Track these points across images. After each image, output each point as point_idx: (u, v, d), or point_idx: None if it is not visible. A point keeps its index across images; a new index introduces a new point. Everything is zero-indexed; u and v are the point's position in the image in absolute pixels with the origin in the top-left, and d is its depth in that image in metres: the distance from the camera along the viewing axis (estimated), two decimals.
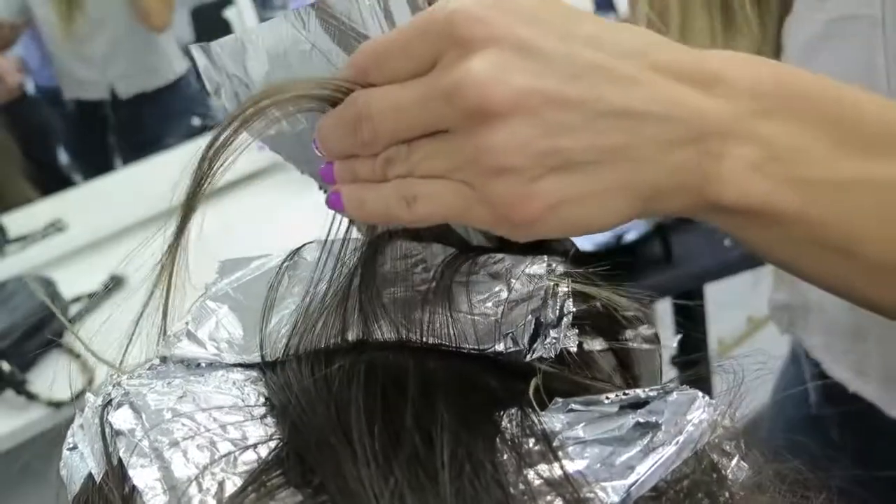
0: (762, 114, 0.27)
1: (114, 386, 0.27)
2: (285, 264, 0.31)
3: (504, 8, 0.25)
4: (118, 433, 0.24)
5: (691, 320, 1.27)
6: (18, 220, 1.47)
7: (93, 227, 1.42)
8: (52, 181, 1.95)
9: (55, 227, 1.43)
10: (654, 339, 0.28)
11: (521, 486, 0.20)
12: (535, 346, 0.26)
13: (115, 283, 1.24)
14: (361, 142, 0.27)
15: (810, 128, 0.27)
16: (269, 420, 0.23)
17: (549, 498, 0.20)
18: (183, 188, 0.29)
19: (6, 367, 1.00)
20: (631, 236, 1.12)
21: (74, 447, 0.26)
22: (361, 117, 0.27)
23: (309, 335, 0.27)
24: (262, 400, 0.24)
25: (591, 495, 0.20)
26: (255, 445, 0.22)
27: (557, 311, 0.26)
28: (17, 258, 1.33)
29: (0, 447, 0.97)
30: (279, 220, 1.39)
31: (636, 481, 0.20)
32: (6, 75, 2.01)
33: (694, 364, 0.30)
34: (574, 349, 0.26)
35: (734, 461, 0.23)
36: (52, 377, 1.05)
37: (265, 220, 1.42)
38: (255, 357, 0.27)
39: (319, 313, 0.27)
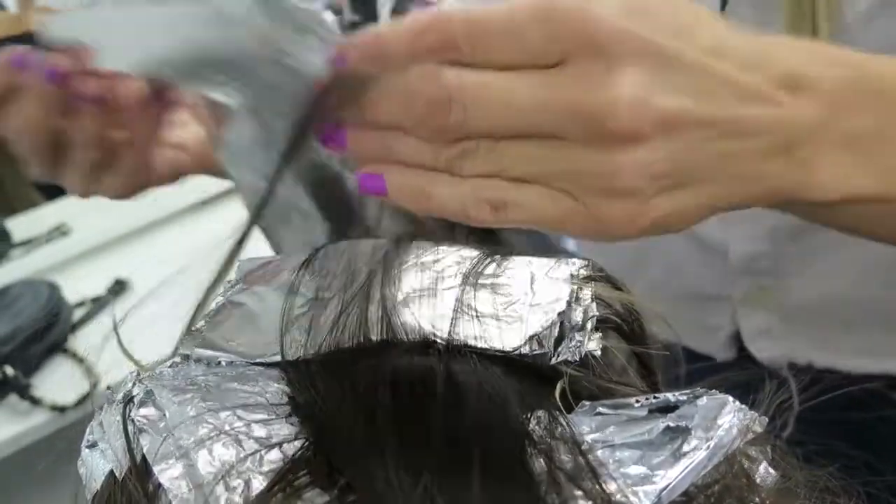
0: (845, 113, 0.28)
1: (135, 383, 0.26)
2: (304, 264, 0.30)
3: (643, 14, 0.24)
4: (141, 430, 0.24)
5: None
6: (23, 225, 1.47)
7: (97, 231, 1.42)
8: (56, 185, 1.96)
9: (59, 231, 1.43)
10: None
11: (553, 490, 0.20)
12: (559, 349, 0.25)
13: (119, 288, 1.25)
14: (438, 125, 0.24)
15: (891, 120, 0.29)
16: (294, 419, 0.23)
17: (580, 502, 0.20)
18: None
19: (10, 371, 1.00)
20: None
21: (94, 444, 0.26)
22: (452, 98, 0.24)
23: (331, 335, 0.26)
24: (285, 399, 0.24)
25: (623, 500, 0.20)
26: (280, 444, 0.22)
27: (582, 315, 0.26)
28: (21, 262, 1.33)
29: (4, 452, 0.97)
30: None
31: (667, 486, 0.20)
32: None
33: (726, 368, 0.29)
34: (598, 353, 0.26)
35: (762, 466, 0.22)
36: (56, 382, 1.05)
37: None
38: (275, 356, 0.27)
39: (341, 313, 0.26)
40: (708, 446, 0.21)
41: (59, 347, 1.09)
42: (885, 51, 0.46)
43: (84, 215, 1.53)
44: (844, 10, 0.45)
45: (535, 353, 0.25)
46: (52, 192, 1.82)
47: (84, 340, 1.12)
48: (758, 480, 0.22)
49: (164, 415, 0.24)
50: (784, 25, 0.46)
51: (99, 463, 0.25)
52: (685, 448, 0.21)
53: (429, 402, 0.22)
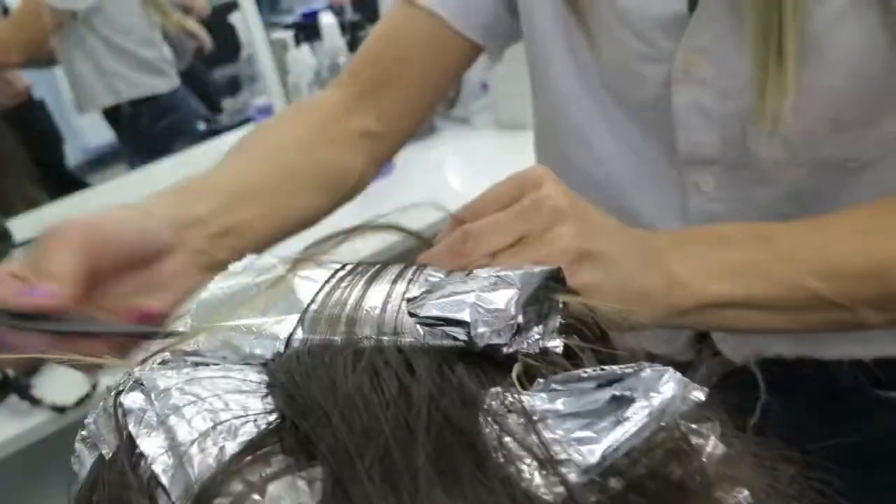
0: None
1: (126, 376, 0.28)
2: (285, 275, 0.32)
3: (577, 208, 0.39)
4: (129, 411, 0.25)
5: None
6: (24, 225, 1.47)
7: None
8: (58, 185, 1.96)
9: None
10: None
11: (500, 450, 0.22)
12: (515, 339, 0.27)
13: None
14: (461, 253, 0.38)
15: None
16: (269, 399, 0.25)
17: (526, 460, 0.22)
18: None
19: (10, 371, 1.00)
20: None
21: (86, 438, 0.28)
22: (468, 236, 0.38)
23: (307, 336, 0.29)
24: (264, 382, 0.26)
25: (566, 457, 0.22)
26: (255, 419, 0.24)
27: (543, 313, 0.29)
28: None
29: (4, 451, 0.97)
30: None
31: (610, 446, 0.22)
32: (14, 79, 2.02)
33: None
34: (559, 349, 0.28)
35: (710, 440, 0.24)
36: (56, 382, 1.05)
37: None
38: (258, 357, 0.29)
39: (316, 318, 0.29)
40: (649, 411, 0.23)
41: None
42: (852, 57, 0.46)
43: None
44: (813, 13, 0.46)
45: (493, 343, 0.27)
46: (55, 191, 1.83)
47: None
48: (706, 450, 0.24)
49: (150, 395, 0.25)
50: (751, 31, 0.47)
51: (87, 453, 0.27)
52: (628, 413, 0.23)
53: (388, 373, 0.24)
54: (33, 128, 2.09)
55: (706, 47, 0.51)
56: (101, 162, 2.55)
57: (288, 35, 1.57)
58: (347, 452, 0.21)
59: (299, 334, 0.29)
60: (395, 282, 0.30)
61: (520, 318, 0.27)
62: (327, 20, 1.35)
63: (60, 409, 0.98)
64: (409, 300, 0.29)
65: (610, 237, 0.40)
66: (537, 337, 0.28)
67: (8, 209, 1.55)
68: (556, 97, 0.62)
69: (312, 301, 0.30)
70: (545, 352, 0.28)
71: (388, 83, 0.66)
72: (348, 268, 0.32)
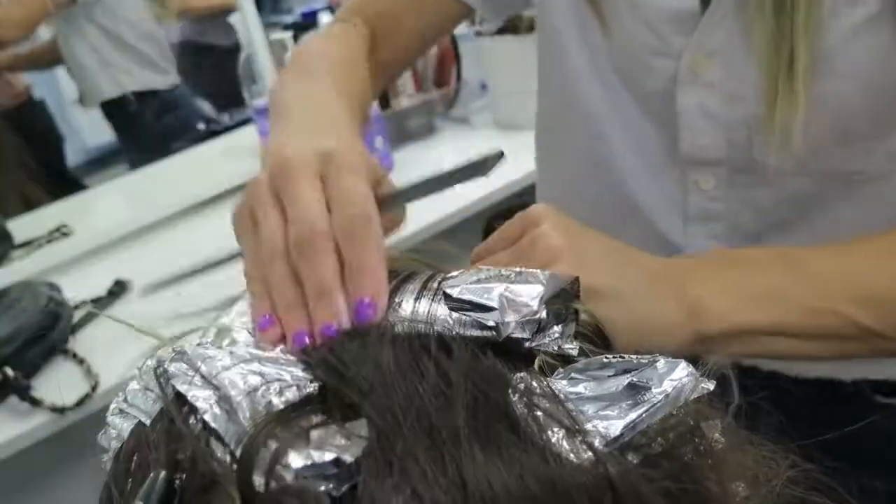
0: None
1: (165, 354, 0.29)
2: None
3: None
4: (173, 375, 0.27)
5: None
6: (24, 226, 1.47)
7: (98, 232, 1.42)
8: (58, 185, 1.96)
9: (60, 232, 1.43)
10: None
11: (531, 420, 0.24)
12: (537, 336, 0.30)
13: (119, 289, 1.25)
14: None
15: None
16: (309, 373, 0.27)
17: (554, 429, 0.23)
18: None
19: (10, 372, 1.00)
20: None
21: (120, 411, 0.29)
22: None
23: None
24: (301, 360, 0.28)
25: (593, 429, 0.24)
26: (296, 385, 0.26)
27: (562, 316, 0.31)
28: (22, 263, 1.33)
29: (4, 453, 0.97)
30: None
31: (630, 422, 0.24)
32: (14, 79, 2.02)
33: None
34: (575, 353, 0.30)
35: (717, 430, 0.26)
36: (57, 383, 1.05)
37: None
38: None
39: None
40: (664, 396, 0.25)
41: (59, 349, 1.09)
42: (866, 71, 0.45)
43: (85, 217, 1.54)
44: (828, 25, 0.45)
45: (516, 336, 0.29)
46: (54, 192, 1.83)
47: (84, 341, 1.12)
48: (714, 438, 0.26)
49: (195, 364, 0.27)
50: (760, 41, 0.46)
51: (123, 424, 0.28)
52: (645, 398, 0.25)
53: (424, 355, 0.26)
54: (33, 128, 2.09)
55: (716, 49, 0.51)
56: (102, 162, 2.55)
57: (287, 36, 1.57)
58: (391, 413, 0.23)
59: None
60: (426, 281, 0.32)
61: (542, 314, 0.29)
62: (327, 20, 1.36)
63: (60, 411, 0.98)
64: (445, 278, 0.31)
65: (611, 271, 0.38)
66: (556, 337, 0.30)
67: (8, 210, 1.55)
68: (566, 81, 0.62)
69: None
70: (561, 353, 0.30)
71: (385, 39, 0.67)
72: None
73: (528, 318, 0.29)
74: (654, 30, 0.53)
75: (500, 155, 0.38)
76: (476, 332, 0.29)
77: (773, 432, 0.28)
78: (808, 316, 0.41)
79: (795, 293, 0.41)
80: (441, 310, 0.30)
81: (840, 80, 0.47)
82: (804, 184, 0.53)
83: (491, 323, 0.29)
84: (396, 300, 0.31)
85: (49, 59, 1.94)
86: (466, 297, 0.29)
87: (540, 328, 0.29)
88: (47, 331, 1.09)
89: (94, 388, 1.01)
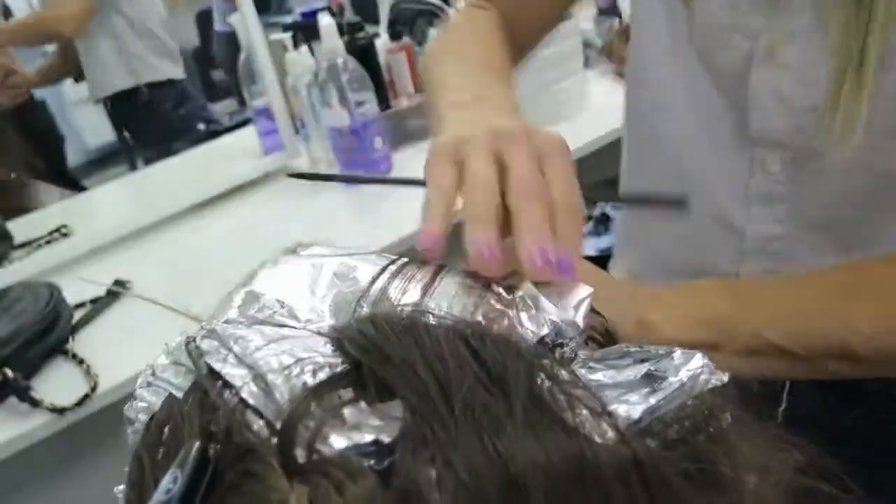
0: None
1: (195, 331, 0.30)
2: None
3: None
4: (206, 352, 0.27)
5: None
6: (24, 226, 1.47)
7: (98, 233, 1.42)
8: (59, 185, 1.96)
9: (60, 232, 1.43)
10: None
11: (560, 401, 0.25)
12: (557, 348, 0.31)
13: (119, 289, 1.25)
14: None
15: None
16: (339, 354, 0.27)
17: (578, 409, 0.24)
18: None
19: (10, 373, 1.00)
20: None
21: (149, 384, 0.29)
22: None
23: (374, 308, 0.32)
24: (331, 340, 0.28)
25: (615, 411, 0.25)
26: (328, 364, 0.26)
27: (577, 329, 0.32)
28: (22, 263, 1.34)
29: (4, 453, 0.97)
30: (286, 221, 1.40)
31: (649, 407, 0.25)
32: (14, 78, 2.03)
33: None
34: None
35: (728, 422, 0.27)
36: (56, 383, 1.05)
37: (283, 218, 1.42)
38: (322, 325, 0.31)
39: (382, 295, 0.32)
40: (680, 384, 0.26)
41: (59, 349, 1.10)
42: None
43: (85, 217, 1.54)
44: None
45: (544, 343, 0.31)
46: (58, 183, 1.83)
47: (84, 342, 1.13)
48: (728, 428, 0.27)
49: (227, 342, 0.27)
50: (833, 36, 0.46)
51: (152, 397, 0.29)
52: (662, 385, 0.26)
53: (461, 340, 0.27)
54: (34, 128, 2.10)
55: (794, 32, 0.50)
56: (102, 162, 2.55)
57: (286, 36, 1.57)
58: (427, 392, 0.24)
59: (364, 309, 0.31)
60: (462, 279, 0.33)
61: (580, 325, 0.31)
62: (325, 21, 1.35)
63: (60, 411, 0.98)
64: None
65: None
66: (574, 345, 0.31)
67: (8, 210, 1.55)
68: (645, 53, 0.63)
69: (376, 279, 0.33)
70: (576, 355, 0.31)
71: (513, 21, 0.70)
72: (405, 260, 0.35)
73: (568, 325, 0.31)
74: (735, 6, 0.53)
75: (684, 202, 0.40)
76: (532, 328, 0.30)
77: (785, 422, 0.29)
78: (740, 338, 0.45)
79: (729, 317, 0.46)
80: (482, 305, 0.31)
81: None
82: (862, 181, 0.53)
83: (552, 320, 0.30)
84: (433, 290, 0.32)
85: (60, 71, 1.95)
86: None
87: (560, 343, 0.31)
88: (47, 331, 1.09)
89: (93, 389, 1.01)
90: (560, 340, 0.31)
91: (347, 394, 0.25)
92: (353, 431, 0.23)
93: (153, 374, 0.29)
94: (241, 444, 0.24)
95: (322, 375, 0.25)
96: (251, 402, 0.25)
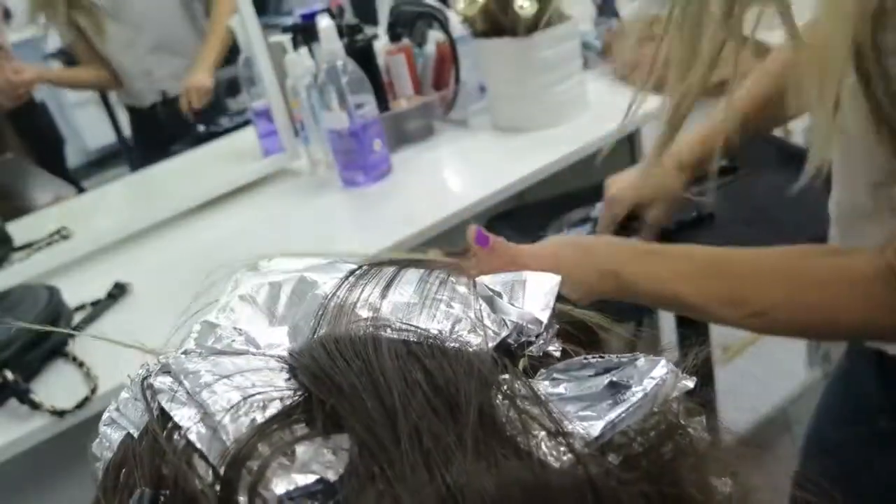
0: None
1: (153, 365, 0.29)
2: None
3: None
4: (158, 391, 0.27)
5: (692, 326, 1.27)
6: (24, 228, 1.47)
7: (97, 235, 1.43)
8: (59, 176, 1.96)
9: (60, 234, 1.44)
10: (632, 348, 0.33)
11: (514, 423, 0.24)
12: (523, 343, 0.30)
13: (119, 291, 1.25)
14: None
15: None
16: (293, 381, 0.27)
17: (534, 431, 0.24)
18: None
19: (9, 375, 1.00)
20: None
21: (111, 422, 0.29)
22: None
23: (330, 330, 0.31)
24: (286, 367, 0.28)
25: (572, 429, 0.24)
26: (280, 397, 0.26)
27: (545, 323, 0.32)
28: (22, 266, 1.34)
29: (3, 456, 0.97)
30: (285, 223, 1.40)
31: (609, 421, 0.24)
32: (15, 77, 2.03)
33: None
34: (558, 354, 0.31)
35: (699, 429, 0.27)
36: (56, 386, 1.05)
37: (282, 220, 1.42)
38: (281, 350, 0.31)
39: (338, 313, 0.31)
40: (643, 394, 0.25)
41: (58, 352, 1.10)
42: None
43: (84, 219, 1.54)
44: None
45: (507, 345, 0.30)
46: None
47: (84, 345, 1.13)
48: (697, 436, 0.26)
49: (179, 377, 0.27)
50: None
51: (114, 435, 0.28)
52: (625, 396, 0.25)
53: (413, 360, 0.26)
54: (34, 129, 2.10)
55: None
56: (101, 164, 2.55)
57: (286, 38, 1.57)
58: (375, 423, 0.23)
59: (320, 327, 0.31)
60: (419, 283, 0.32)
61: (545, 322, 0.31)
62: (325, 23, 1.36)
63: (60, 414, 0.98)
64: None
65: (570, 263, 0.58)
66: (541, 342, 0.31)
67: (8, 212, 1.55)
68: None
69: (333, 296, 0.32)
70: (546, 354, 0.30)
71: None
72: (364, 268, 0.34)
73: (530, 322, 0.30)
74: None
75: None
76: (493, 329, 0.30)
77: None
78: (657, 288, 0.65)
79: (655, 268, 0.65)
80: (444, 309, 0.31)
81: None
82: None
83: (512, 321, 0.30)
84: (388, 301, 0.31)
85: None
86: (497, 288, 0.31)
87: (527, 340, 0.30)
88: (47, 334, 1.09)
89: (93, 392, 1.01)
90: (524, 339, 0.30)
91: (299, 428, 0.24)
92: (299, 472, 0.23)
93: (117, 409, 0.29)
94: (187, 492, 0.23)
95: (272, 410, 0.25)
96: (198, 444, 0.24)
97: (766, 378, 1.77)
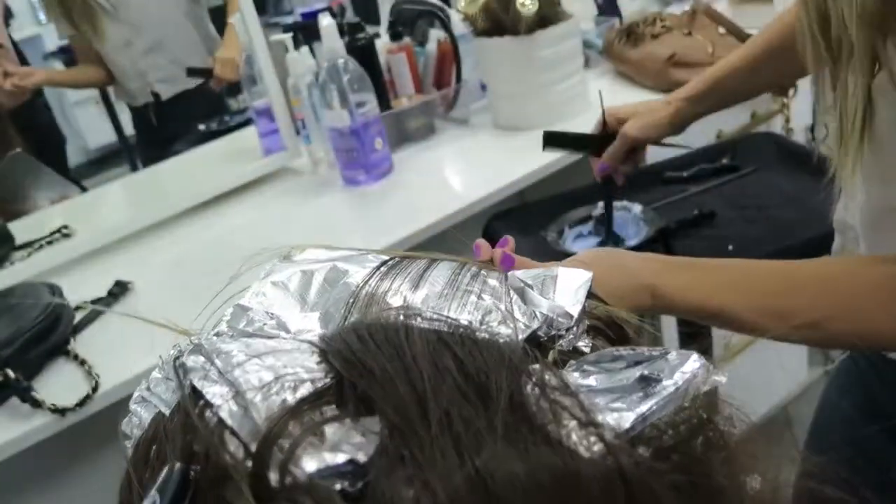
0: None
1: (184, 345, 0.30)
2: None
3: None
4: (190, 369, 0.27)
5: (693, 324, 1.27)
6: (25, 227, 1.47)
7: (99, 234, 1.43)
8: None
9: (62, 232, 1.44)
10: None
11: (545, 412, 0.24)
12: (555, 337, 0.31)
13: (120, 290, 1.25)
14: None
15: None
16: (324, 366, 0.27)
17: (565, 421, 0.24)
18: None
19: (11, 373, 1.00)
20: (632, 242, 1.13)
21: (142, 400, 0.29)
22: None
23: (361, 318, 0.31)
24: (317, 351, 0.28)
25: (604, 421, 0.24)
26: (311, 379, 0.26)
27: (576, 319, 0.32)
28: (23, 264, 1.34)
29: (5, 454, 0.97)
30: (286, 222, 1.40)
31: (641, 414, 0.24)
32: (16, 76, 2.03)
33: None
34: (588, 350, 0.31)
35: (729, 425, 0.26)
36: (58, 384, 1.05)
37: (283, 218, 1.42)
38: (312, 335, 0.31)
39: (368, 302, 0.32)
40: (675, 388, 0.25)
41: (60, 350, 1.10)
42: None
43: (86, 218, 1.54)
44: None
45: (537, 338, 0.30)
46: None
47: (85, 343, 1.13)
48: (728, 432, 0.26)
49: (212, 356, 0.27)
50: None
51: (145, 413, 0.29)
52: (656, 390, 0.25)
53: (443, 347, 0.26)
54: (35, 128, 2.10)
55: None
56: (102, 163, 2.56)
57: (287, 37, 1.57)
58: (405, 407, 0.23)
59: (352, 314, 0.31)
60: (451, 275, 0.32)
61: (576, 315, 0.31)
62: (326, 22, 1.35)
63: (61, 412, 0.98)
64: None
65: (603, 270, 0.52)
66: (571, 337, 0.31)
67: (10, 211, 1.55)
68: None
69: (365, 284, 0.32)
70: (575, 349, 0.31)
71: None
72: (396, 259, 0.35)
73: (561, 316, 0.31)
74: None
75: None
76: (524, 321, 0.30)
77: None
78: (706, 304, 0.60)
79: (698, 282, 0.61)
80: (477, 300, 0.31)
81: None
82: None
83: (543, 313, 0.30)
84: (418, 294, 0.32)
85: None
86: (529, 281, 0.32)
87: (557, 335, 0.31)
88: (48, 332, 1.09)
89: (94, 390, 1.01)
90: (554, 332, 0.30)
91: (329, 410, 0.24)
92: (329, 451, 0.23)
93: (148, 388, 0.29)
94: (219, 467, 0.23)
95: (303, 391, 0.25)
96: (229, 421, 0.24)
97: (767, 377, 1.77)
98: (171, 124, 1.87)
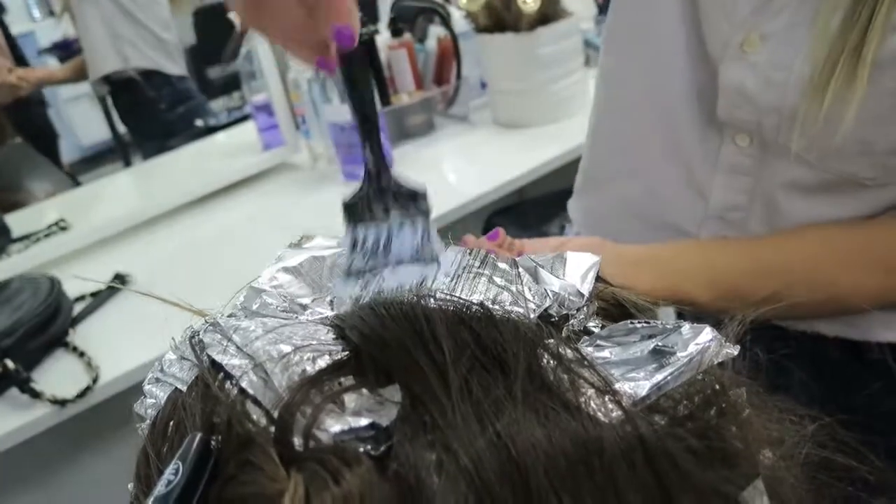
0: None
1: (199, 325, 0.30)
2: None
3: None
4: (208, 346, 0.28)
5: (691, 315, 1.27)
6: (22, 220, 1.46)
7: (96, 226, 1.42)
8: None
9: (59, 226, 1.43)
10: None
11: (563, 381, 0.24)
12: (567, 315, 0.31)
13: (119, 282, 1.24)
14: None
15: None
16: (340, 342, 0.27)
17: (582, 389, 0.24)
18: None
19: (10, 365, 0.99)
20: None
21: (157, 380, 0.30)
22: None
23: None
24: (333, 327, 0.28)
25: (620, 388, 0.25)
26: (329, 352, 0.26)
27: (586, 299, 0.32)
28: (21, 257, 1.33)
29: (5, 445, 0.96)
30: (286, 216, 1.40)
31: (656, 383, 0.25)
32: (12, 74, 2.02)
33: None
34: (598, 329, 0.31)
35: (742, 395, 0.27)
36: (57, 375, 1.04)
37: (282, 213, 1.42)
38: (325, 311, 0.31)
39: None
40: (689, 359, 0.26)
41: (59, 341, 1.09)
42: None
43: (83, 210, 1.53)
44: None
45: (549, 316, 0.31)
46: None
47: (84, 334, 1.12)
48: (740, 402, 0.26)
49: (228, 333, 0.27)
50: (822, 24, 0.46)
51: (160, 393, 0.29)
52: (669, 361, 0.26)
53: (460, 322, 0.27)
54: (28, 125, 2.09)
55: (770, 33, 0.51)
56: (95, 160, 2.55)
57: None
58: (425, 375, 0.24)
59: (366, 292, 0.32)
60: (461, 258, 0.33)
61: (586, 295, 0.32)
62: None
63: (61, 403, 0.98)
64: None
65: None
66: (582, 317, 0.31)
67: (7, 204, 1.55)
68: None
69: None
70: (586, 329, 0.31)
71: None
72: None
73: (572, 294, 0.31)
74: None
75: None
76: (535, 301, 0.30)
77: (799, 392, 0.29)
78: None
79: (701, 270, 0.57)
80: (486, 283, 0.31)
81: (883, 92, 0.46)
82: (822, 174, 0.54)
83: (554, 291, 0.30)
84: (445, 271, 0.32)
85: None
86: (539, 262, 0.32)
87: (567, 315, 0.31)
88: (47, 324, 1.08)
89: (94, 381, 1.00)
90: (565, 312, 0.31)
91: (348, 381, 0.25)
92: (351, 416, 0.23)
93: (161, 369, 0.30)
94: (241, 435, 0.24)
95: (322, 363, 0.25)
96: (250, 391, 0.25)
97: None
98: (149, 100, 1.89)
